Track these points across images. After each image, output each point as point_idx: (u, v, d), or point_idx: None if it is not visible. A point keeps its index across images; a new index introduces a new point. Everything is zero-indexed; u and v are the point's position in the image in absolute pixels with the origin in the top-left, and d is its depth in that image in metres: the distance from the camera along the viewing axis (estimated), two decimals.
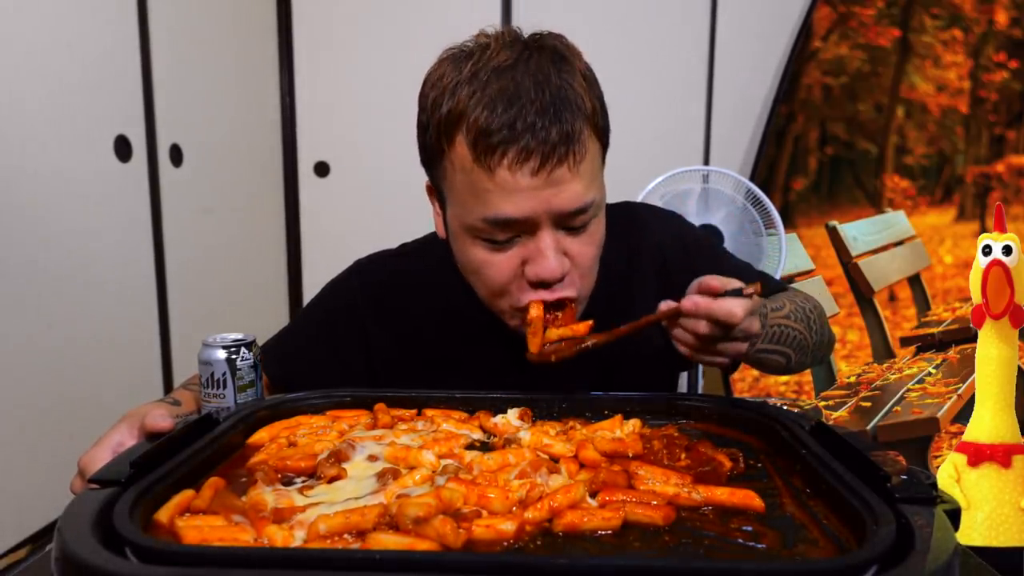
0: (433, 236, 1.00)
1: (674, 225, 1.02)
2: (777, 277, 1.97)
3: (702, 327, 0.70)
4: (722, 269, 0.79)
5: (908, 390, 2.22)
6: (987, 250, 1.64)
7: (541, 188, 0.74)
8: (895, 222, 2.38)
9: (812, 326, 0.92)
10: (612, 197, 1.11)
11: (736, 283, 0.71)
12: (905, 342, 2.30)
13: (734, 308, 0.69)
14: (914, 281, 2.33)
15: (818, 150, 2.45)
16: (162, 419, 0.70)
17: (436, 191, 0.86)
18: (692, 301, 0.70)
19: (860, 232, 2.40)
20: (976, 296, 1.68)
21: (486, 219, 0.76)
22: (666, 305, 0.74)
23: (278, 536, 0.51)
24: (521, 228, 0.77)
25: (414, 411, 0.81)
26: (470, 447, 0.71)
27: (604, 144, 0.81)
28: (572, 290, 0.81)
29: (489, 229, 0.77)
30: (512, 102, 0.73)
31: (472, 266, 0.82)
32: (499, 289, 0.82)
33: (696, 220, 2.03)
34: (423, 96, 0.80)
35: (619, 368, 0.93)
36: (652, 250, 0.97)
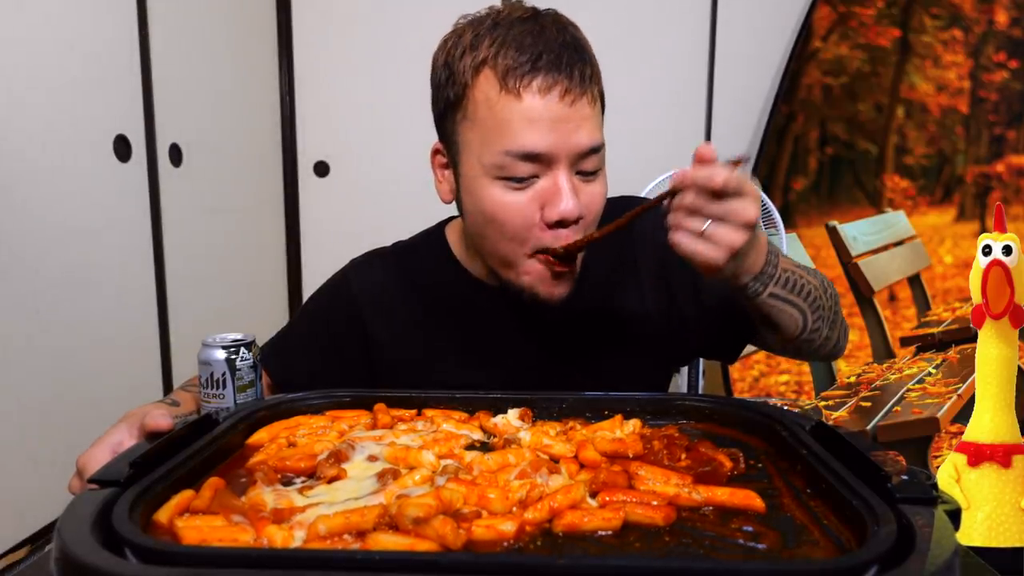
0: (426, 234, 1.03)
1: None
2: None
3: (688, 197, 0.68)
4: None
5: (908, 390, 2.21)
6: (987, 250, 1.64)
7: (563, 121, 0.77)
8: (895, 222, 2.37)
9: (827, 292, 0.87)
10: (612, 196, 1.11)
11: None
12: (905, 342, 2.30)
13: (715, 171, 0.66)
14: (914, 281, 2.33)
15: (818, 150, 2.45)
16: (162, 418, 0.70)
17: (447, 148, 0.87)
18: (679, 171, 0.68)
19: (860, 232, 2.40)
20: (976, 296, 1.68)
21: (509, 151, 0.78)
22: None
23: (278, 536, 0.51)
24: (541, 164, 0.78)
25: (414, 411, 0.81)
26: (470, 447, 0.71)
27: (602, 98, 0.85)
28: (582, 234, 0.81)
29: (511, 164, 0.78)
30: (536, 40, 0.78)
31: (488, 212, 0.81)
32: (515, 233, 0.81)
33: None
34: (441, 53, 0.84)
35: (613, 355, 0.93)
36: (651, 244, 0.96)
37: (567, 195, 0.78)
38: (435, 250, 0.98)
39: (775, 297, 0.78)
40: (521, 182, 0.79)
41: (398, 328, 0.98)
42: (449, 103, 0.82)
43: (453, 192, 0.88)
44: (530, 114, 0.76)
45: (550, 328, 0.94)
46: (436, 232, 1.02)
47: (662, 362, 1.02)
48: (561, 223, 0.80)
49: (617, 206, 0.91)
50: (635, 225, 0.88)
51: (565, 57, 0.77)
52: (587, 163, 0.80)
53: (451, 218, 1.03)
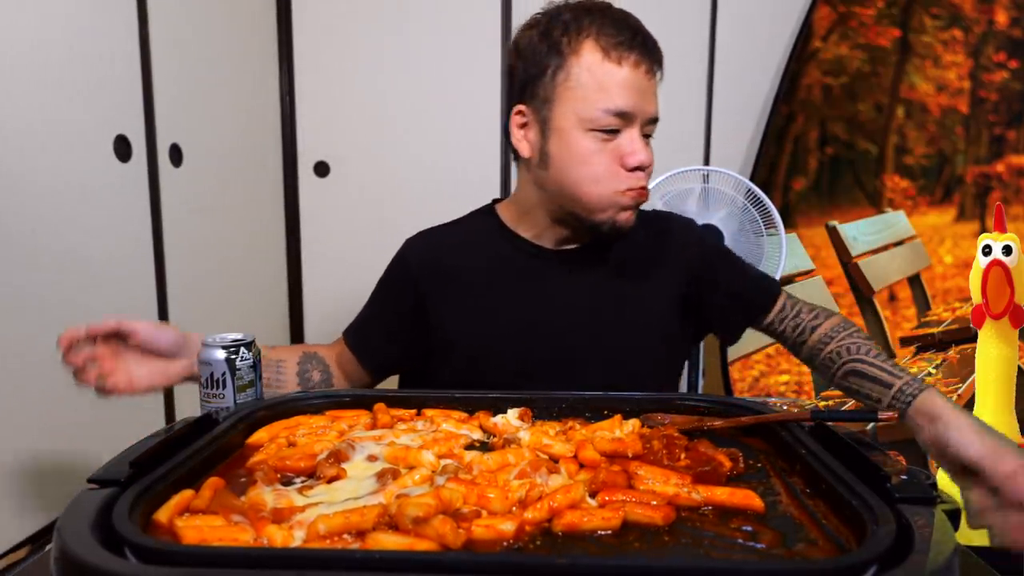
0: (475, 212, 1.18)
1: (696, 232, 1.19)
2: (777, 277, 1.97)
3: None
4: (744, 277, 1.13)
5: None
6: (987, 250, 1.64)
7: (645, 90, 0.97)
8: (895, 222, 2.37)
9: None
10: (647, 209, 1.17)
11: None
12: (905, 342, 2.30)
13: None
14: (914, 281, 2.33)
15: (818, 150, 2.45)
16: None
17: (535, 108, 1.01)
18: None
19: (860, 232, 2.40)
20: (976, 296, 1.68)
21: (607, 109, 0.95)
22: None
23: (278, 536, 0.51)
24: (624, 120, 0.97)
25: (413, 411, 0.81)
26: (470, 447, 0.71)
27: None
28: (647, 183, 1.01)
29: (605, 118, 0.96)
30: (629, 24, 0.98)
31: (581, 156, 0.98)
32: (602, 175, 0.98)
33: (696, 220, 2.03)
34: (531, 31, 1.01)
35: (640, 312, 1.08)
36: (677, 248, 1.13)
37: (644, 147, 0.98)
38: (489, 222, 1.12)
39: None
40: (609, 134, 0.97)
41: (451, 286, 1.09)
42: (548, 66, 0.98)
43: (534, 146, 1.03)
44: (626, 82, 0.95)
45: (595, 283, 1.09)
46: (486, 209, 1.17)
47: (676, 356, 1.19)
48: (640, 167, 0.99)
49: (659, 217, 1.17)
50: (675, 228, 1.15)
51: (649, 42, 0.98)
52: (649, 127, 1.00)
53: (496, 200, 1.18)
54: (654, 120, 1.00)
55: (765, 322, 1.10)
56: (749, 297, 1.11)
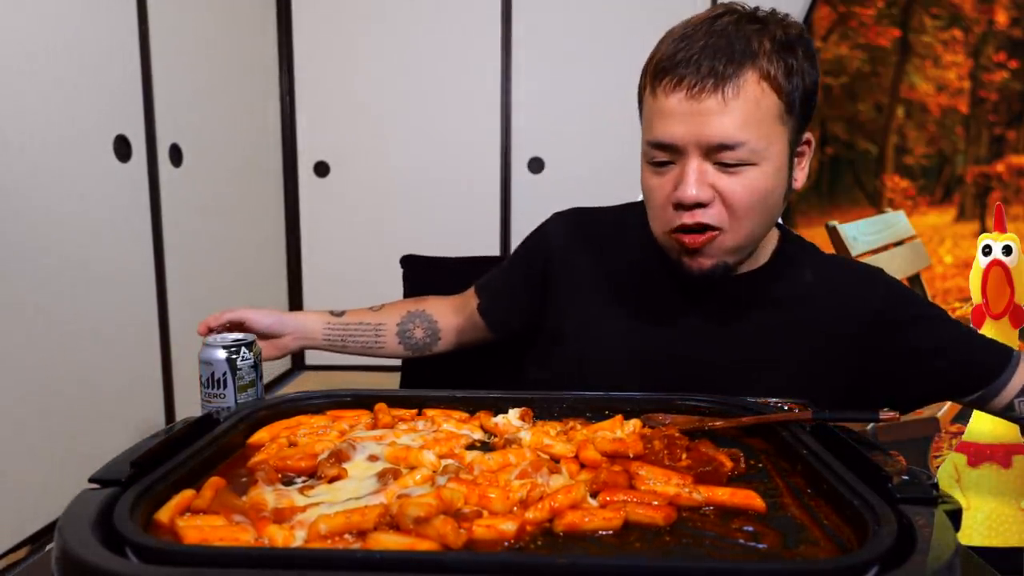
0: (630, 203, 1.11)
1: (895, 292, 0.99)
2: None
3: None
4: (941, 337, 0.93)
5: None
6: (987, 250, 1.64)
7: (690, 115, 0.84)
8: (895, 222, 2.37)
9: None
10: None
11: None
12: None
13: None
14: (914, 281, 2.33)
15: (818, 150, 2.45)
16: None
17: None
18: None
19: (860, 232, 2.40)
20: (976, 296, 1.68)
21: (649, 141, 0.88)
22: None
23: (279, 536, 0.51)
24: (673, 152, 0.87)
25: (414, 411, 0.81)
26: (471, 447, 0.71)
27: (786, 105, 0.86)
28: (714, 220, 0.87)
29: (651, 151, 0.89)
30: (682, 42, 0.85)
31: (643, 189, 0.93)
32: (656, 210, 0.92)
33: None
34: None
35: (756, 358, 0.96)
36: (859, 311, 0.96)
37: (689, 181, 0.85)
38: (631, 218, 1.05)
39: None
40: (660, 166, 0.89)
41: (575, 272, 1.06)
42: (639, 103, 0.93)
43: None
44: (662, 110, 0.86)
45: (709, 308, 0.99)
46: (640, 204, 1.05)
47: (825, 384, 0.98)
48: (681, 205, 0.87)
49: (842, 262, 1.03)
50: (846, 284, 0.97)
51: (697, 57, 0.83)
52: (722, 155, 0.85)
53: None
54: (726, 146, 0.84)
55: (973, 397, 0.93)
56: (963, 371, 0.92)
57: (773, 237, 1.00)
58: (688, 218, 0.87)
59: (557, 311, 1.06)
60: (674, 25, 0.90)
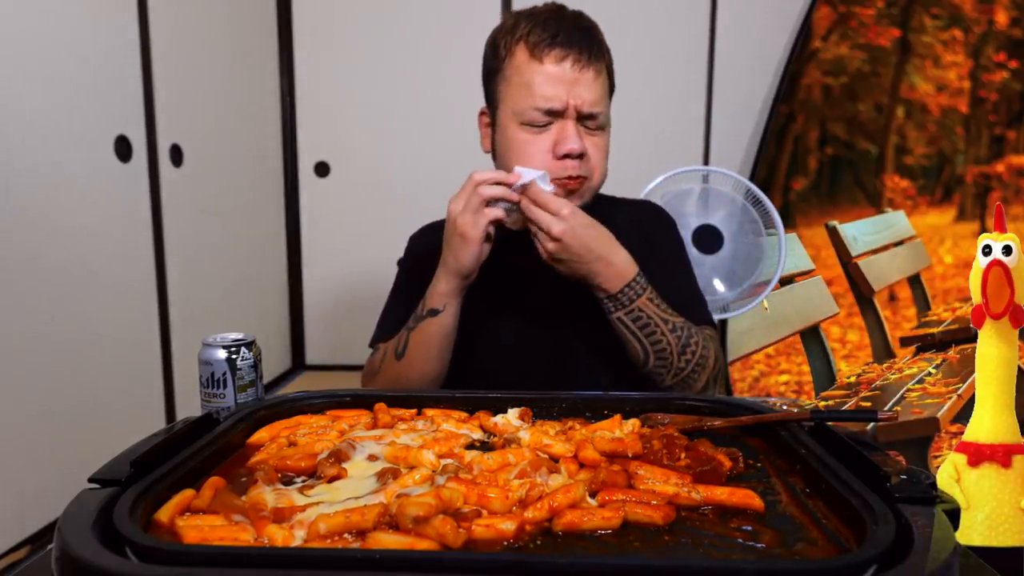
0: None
1: (656, 210, 1.24)
2: (777, 277, 1.97)
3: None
4: (672, 272, 1.12)
5: (908, 390, 2.21)
6: (987, 250, 1.64)
7: (573, 84, 1.01)
8: (895, 222, 2.38)
9: (685, 351, 1.01)
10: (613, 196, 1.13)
11: None
12: (905, 342, 2.30)
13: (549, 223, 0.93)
14: (914, 281, 2.33)
15: (818, 150, 2.46)
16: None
17: (489, 106, 1.11)
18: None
19: (860, 232, 2.40)
20: (976, 296, 1.68)
21: (532, 104, 1.01)
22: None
23: (278, 536, 0.51)
24: (555, 114, 1.02)
25: (414, 411, 0.81)
26: (470, 447, 0.71)
27: (611, 91, 1.09)
28: (584, 171, 1.04)
29: (532, 113, 1.02)
30: (558, 23, 1.03)
31: (516, 147, 1.05)
32: (534, 164, 1.02)
33: (696, 220, 2.03)
34: (491, 37, 1.09)
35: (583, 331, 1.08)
36: (632, 222, 1.15)
37: (573, 135, 1.02)
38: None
39: (622, 323, 0.99)
40: (540, 128, 1.03)
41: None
42: (494, 71, 1.07)
43: (491, 142, 1.11)
44: (549, 76, 1.01)
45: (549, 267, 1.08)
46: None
47: None
48: (569, 156, 1.03)
49: (644, 207, 1.24)
50: (619, 218, 1.10)
51: (576, 37, 1.02)
52: (590, 122, 1.04)
53: None
54: (593, 115, 1.03)
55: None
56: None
57: None
58: (575, 167, 1.03)
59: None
60: (517, 10, 1.07)
